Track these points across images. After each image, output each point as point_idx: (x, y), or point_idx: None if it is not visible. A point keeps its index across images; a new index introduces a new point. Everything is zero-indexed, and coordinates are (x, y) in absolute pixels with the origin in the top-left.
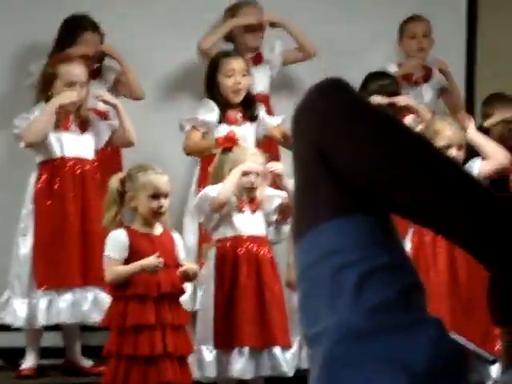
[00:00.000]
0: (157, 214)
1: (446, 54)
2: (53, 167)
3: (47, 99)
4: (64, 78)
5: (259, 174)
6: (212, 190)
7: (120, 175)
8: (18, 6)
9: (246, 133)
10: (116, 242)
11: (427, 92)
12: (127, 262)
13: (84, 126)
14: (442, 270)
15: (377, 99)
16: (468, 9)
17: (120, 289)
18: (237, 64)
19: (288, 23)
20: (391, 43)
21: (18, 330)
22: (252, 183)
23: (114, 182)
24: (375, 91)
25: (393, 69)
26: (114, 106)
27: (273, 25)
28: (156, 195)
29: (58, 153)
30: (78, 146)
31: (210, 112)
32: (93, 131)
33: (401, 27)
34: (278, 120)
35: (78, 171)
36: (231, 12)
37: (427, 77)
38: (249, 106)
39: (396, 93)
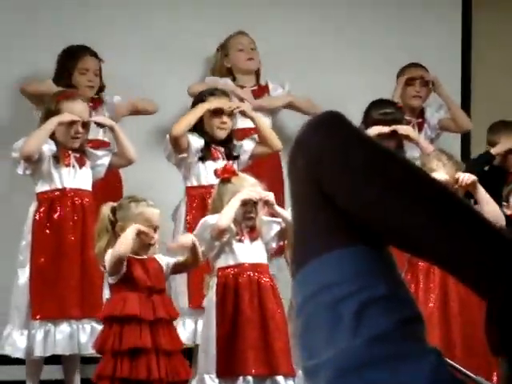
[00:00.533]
0: (146, 246)
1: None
2: (52, 198)
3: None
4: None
5: (257, 202)
6: (212, 218)
7: (111, 204)
8: (17, 35)
9: None
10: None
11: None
12: (121, 284)
13: (82, 161)
14: (434, 301)
15: (377, 128)
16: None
17: (114, 312)
18: (223, 103)
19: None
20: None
21: (18, 363)
22: (250, 212)
23: (106, 210)
24: (378, 119)
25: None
26: (111, 128)
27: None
28: (147, 226)
29: (58, 184)
30: (77, 179)
31: (197, 138)
32: (91, 164)
33: (399, 73)
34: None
35: (78, 202)
36: (222, 49)
37: (421, 125)
38: (231, 145)
39: (399, 121)
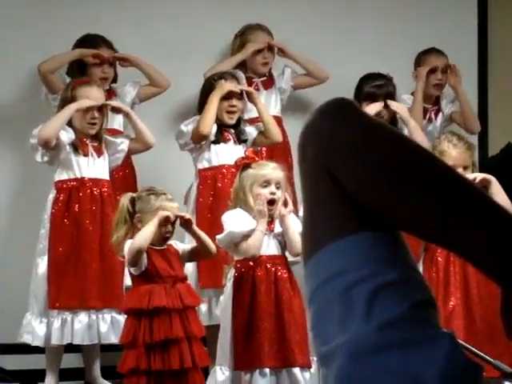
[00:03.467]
0: (163, 239)
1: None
2: (71, 187)
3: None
4: (82, 98)
5: (280, 188)
6: (234, 225)
7: (130, 194)
8: (33, 26)
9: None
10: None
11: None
12: (145, 275)
13: (100, 150)
14: (454, 290)
15: (374, 107)
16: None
17: (141, 305)
18: (232, 86)
19: (294, 53)
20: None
21: (38, 351)
22: (275, 196)
23: (125, 200)
24: (370, 92)
25: (407, 99)
26: (126, 114)
27: (281, 53)
28: (165, 220)
29: (76, 173)
30: (95, 168)
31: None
32: (110, 152)
33: (419, 58)
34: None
35: (96, 192)
36: (241, 37)
37: (438, 110)
38: (239, 129)
39: (391, 93)
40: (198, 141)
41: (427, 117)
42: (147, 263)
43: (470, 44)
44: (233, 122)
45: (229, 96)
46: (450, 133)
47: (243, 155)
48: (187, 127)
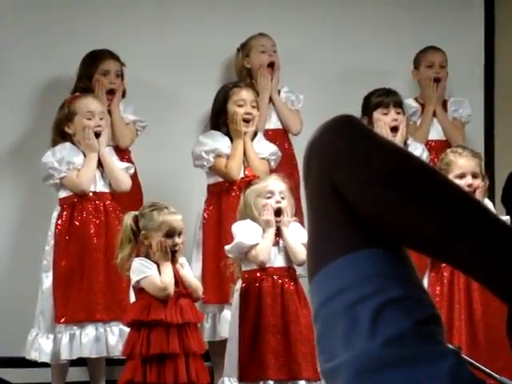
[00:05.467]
0: (171, 252)
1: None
2: (74, 203)
3: (65, 138)
4: (82, 110)
5: (284, 198)
6: (243, 236)
7: (133, 213)
8: (39, 43)
9: None
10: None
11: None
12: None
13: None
14: (458, 306)
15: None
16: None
17: (140, 317)
18: (247, 94)
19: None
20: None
21: (44, 366)
22: (281, 205)
23: (128, 219)
24: (378, 102)
25: (412, 103)
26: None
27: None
28: (171, 234)
29: None
30: (98, 182)
31: (223, 142)
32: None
33: (417, 57)
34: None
35: (100, 205)
36: (243, 48)
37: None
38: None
39: (399, 103)
40: (228, 181)
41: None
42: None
43: (477, 46)
44: (248, 130)
45: (244, 103)
46: (455, 146)
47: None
48: (208, 156)
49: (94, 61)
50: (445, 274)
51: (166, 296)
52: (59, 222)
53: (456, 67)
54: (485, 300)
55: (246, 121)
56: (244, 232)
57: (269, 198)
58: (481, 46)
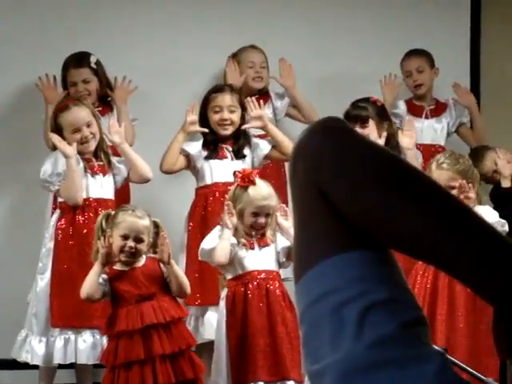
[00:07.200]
0: (126, 255)
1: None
2: (75, 207)
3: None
4: (67, 127)
5: (270, 214)
6: (204, 242)
7: (107, 212)
8: (27, 47)
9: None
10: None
11: (439, 126)
12: (112, 299)
13: (105, 169)
14: (441, 305)
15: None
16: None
17: (110, 327)
18: (223, 100)
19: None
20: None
21: (31, 367)
22: (262, 224)
23: (100, 218)
24: (347, 111)
25: (402, 106)
26: (118, 146)
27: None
28: (126, 236)
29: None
30: (100, 188)
31: (194, 141)
32: (113, 172)
33: (400, 65)
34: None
35: (101, 211)
36: (234, 58)
37: (440, 111)
38: (237, 142)
39: (362, 117)
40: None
41: (423, 115)
42: (110, 289)
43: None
44: (227, 132)
45: (220, 109)
46: (444, 152)
47: (241, 172)
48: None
49: (63, 72)
50: (428, 272)
51: None
52: (59, 225)
53: (442, 70)
54: (468, 298)
55: (223, 125)
56: (207, 238)
57: (254, 215)
58: (467, 48)
